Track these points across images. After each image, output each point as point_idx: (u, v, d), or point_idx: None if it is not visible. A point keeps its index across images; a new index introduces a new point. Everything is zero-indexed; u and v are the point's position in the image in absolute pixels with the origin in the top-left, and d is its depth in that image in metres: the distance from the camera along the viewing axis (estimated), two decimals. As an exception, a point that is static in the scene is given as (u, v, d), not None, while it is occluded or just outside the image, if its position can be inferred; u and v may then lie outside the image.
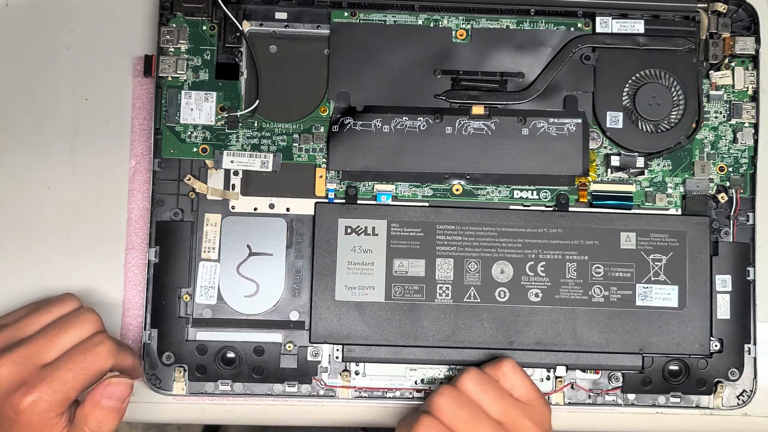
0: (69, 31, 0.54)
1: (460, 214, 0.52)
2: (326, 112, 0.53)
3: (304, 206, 0.52)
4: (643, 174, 0.53)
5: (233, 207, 0.52)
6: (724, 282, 0.52)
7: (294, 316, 0.51)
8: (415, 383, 0.52)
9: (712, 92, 0.53)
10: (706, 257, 0.52)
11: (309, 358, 0.51)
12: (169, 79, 0.52)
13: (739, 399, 0.52)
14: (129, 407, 0.52)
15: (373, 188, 0.52)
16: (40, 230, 0.52)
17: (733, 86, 0.54)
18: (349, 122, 0.52)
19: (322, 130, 0.52)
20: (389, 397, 0.52)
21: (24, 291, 0.52)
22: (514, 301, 0.51)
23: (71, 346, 0.44)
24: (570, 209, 0.52)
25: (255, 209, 0.52)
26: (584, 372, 0.52)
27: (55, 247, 0.52)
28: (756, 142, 0.53)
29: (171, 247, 0.51)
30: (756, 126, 0.53)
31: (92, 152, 0.53)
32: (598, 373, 0.52)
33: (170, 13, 0.52)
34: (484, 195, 0.53)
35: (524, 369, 0.49)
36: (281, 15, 0.53)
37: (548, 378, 0.52)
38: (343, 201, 0.52)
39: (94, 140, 0.53)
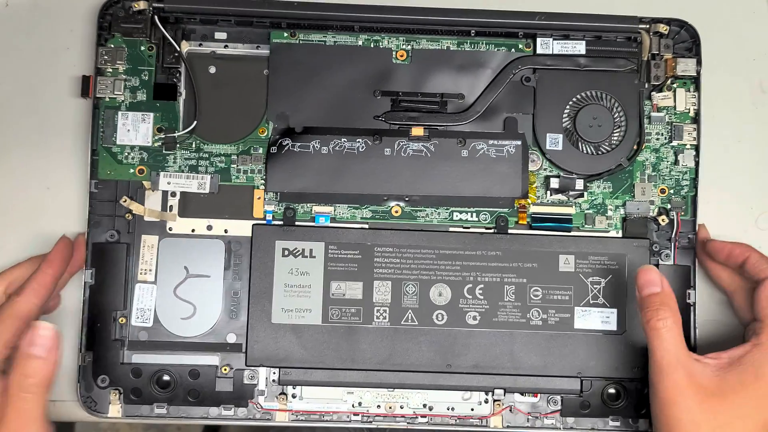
0: (69, 31, 0.54)
1: (399, 236, 0.51)
2: (265, 133, 0.52)
3: (242, 228, 0.52)
4: (583, 196, 0.52)
5: (170, 228, 0.51)
6: (664, 305, 0.52)
7: (231, 339, 0.51)
8: (353, 406, 0.51)
9: (653, 114, 0.53)
10: (646, 280, 0.52)
11: (245, 381, 0.51)
12: (107, 99, 0.52)
13: (678, 422, 0.52)
14: None
15: (311, 210, 0.52)
16: (41, 229, 0.52)
17: (674, 107, 0.53)
18: (288, 143, 0.52)
19: (260, 151, 0.52)
20: (327, 420, 0.51)
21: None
22: (452, 324, 0.51)
23: None
24: (509, 231, 0.52)
25: (192, 231, 0.52)
26: (523, 395, 0.51)
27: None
28: (697, 164, 0.53)
29: (107, 269, 0.51)
30: (697, 148, 0.53)
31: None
32: (536, 397, 0.51)
33: (108, 33, 0.52)
34: (423, 217, 0.52)
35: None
36: (221, 35, 0.53)
37: (486, 401, 0.51)
38: (281, 223, 0.52)
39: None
